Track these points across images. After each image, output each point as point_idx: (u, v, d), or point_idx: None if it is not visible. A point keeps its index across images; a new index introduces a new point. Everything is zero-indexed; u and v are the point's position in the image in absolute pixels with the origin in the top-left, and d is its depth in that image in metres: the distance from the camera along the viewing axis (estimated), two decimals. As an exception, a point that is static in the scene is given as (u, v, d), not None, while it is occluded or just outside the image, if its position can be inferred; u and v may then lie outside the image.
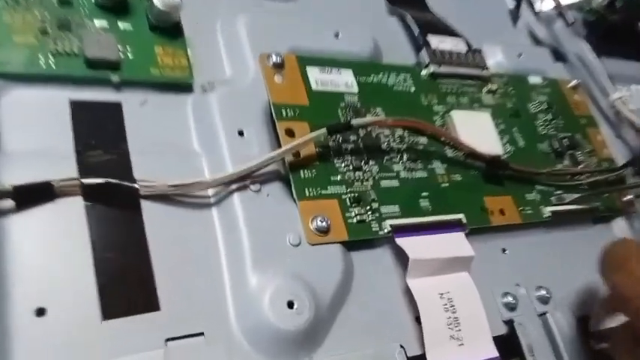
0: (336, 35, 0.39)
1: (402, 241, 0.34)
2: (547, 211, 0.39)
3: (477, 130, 0.40)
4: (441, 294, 0.34)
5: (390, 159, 0.36)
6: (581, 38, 0.51)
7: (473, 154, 0.38)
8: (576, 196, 0.40)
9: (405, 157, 0.37)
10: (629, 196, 0.44)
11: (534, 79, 0.47)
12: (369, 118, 0.35)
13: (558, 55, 0.50)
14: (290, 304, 0.28)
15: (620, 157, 0.46)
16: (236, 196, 0.31)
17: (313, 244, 0.31)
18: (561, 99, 0.46)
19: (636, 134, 0.48)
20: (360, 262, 0.33)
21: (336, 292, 0.31)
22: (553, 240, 0.40)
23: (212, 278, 0.29)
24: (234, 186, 0.31)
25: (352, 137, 0.36)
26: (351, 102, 0.37)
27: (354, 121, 0.33)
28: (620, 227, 0.44)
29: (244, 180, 0.31)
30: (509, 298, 0.37)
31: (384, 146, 0.37)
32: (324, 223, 0.31)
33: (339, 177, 0.34)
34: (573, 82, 0.47)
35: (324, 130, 0.32)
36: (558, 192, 0.41)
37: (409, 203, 0.35)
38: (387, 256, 0.34)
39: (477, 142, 0.39)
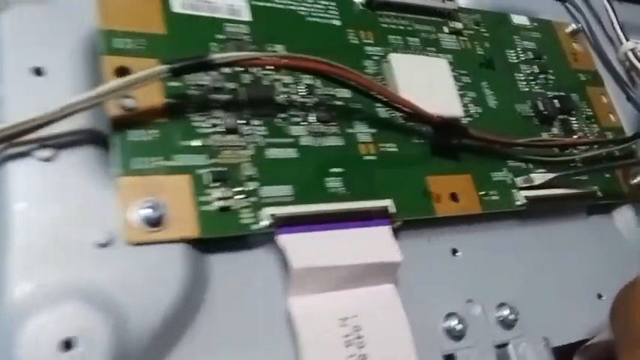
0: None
1: (286, 241, 0.23)
2: (521, 196, 0.29)
3: (426, 83, 0.29)
4: (343, 320, 0.23)
5: (287, 118, 0.25)
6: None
7: (415, 115, 0.27)
8: (556, 175, 0.30)
9: (312, 116, 0.26)
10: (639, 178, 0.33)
11: (519, 19, 0.35)
12: (243, 53, 0.23)
13: (558, -8, 0.38)
14: (67, 344, 0.18)
15: (630, 125, 0.36)
16: (11, 166, 0.20)
17: (135, 244, 0.20)
18: (555, 47, 0.37)
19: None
20: (224, 271, 0.23)
21: (167, 322, 0.20)
22: (527, 237, 0.30)
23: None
24: (13, 150, 0.20)
25: (230, 85, 0.24)
26: (235, 34, 0.25)
27: (217, 56, 0.22)
28: (624, 219, 0.34)
29: (31, 142, 0.20)
30: (455, 322, 0.26)
31: (280, 99, 0.25)
32: (155, 212, 0.21)
33: (198, 142, 0.23)
34: (573, 26, 0.35)
35: (163, 68, 0.21)
36: (539, 170, 0.29)
37: (310, 183, 0.24)
38: (270, 263, 0.23)
39: (423, 98, 0.27)
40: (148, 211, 0.21)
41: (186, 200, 0.22)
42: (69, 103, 0.20)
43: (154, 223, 0.21)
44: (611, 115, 0.36)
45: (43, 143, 0.20)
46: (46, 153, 0.20)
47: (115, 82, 0.21)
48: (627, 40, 0.38)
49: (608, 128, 0.35)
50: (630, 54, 0.38)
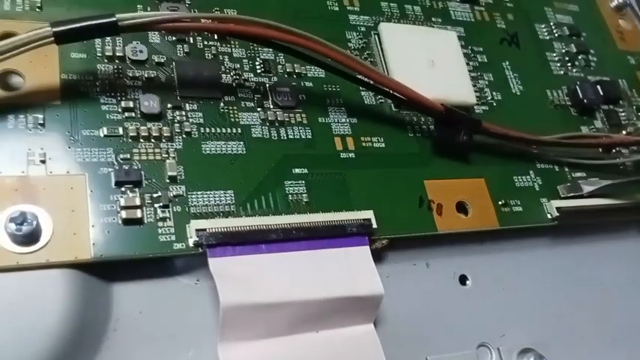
0: None
1: (220, 266, 0.16)
2: (552, 207, 0.23)
3: (427, 61, 0.22)
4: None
5: (234, 102, 0.19)
6: None
7: (411, 102, 0.20)
8: (608, 183, 0.23)
9: (270, 99, 0.19)
10: None
11: (554, -12, 0.29)
12: (159, 13, 0.17)
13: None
14: None
15: None
16: None
17: (-3, 270, 0.14)
18: (597, 23, 0.31)
19: None
20: (133, 306, 0.17)
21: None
22: (560, 261, 0.24)
23: None
24: None
25: (157, 57, 0.18)
26: (170, -6, 0.20)
27: (122, 16, 0.16)
28: None
29: None
30: (460, 376, 0.19)
31: (227, 79, 0.19)
32: (22, 227, 0.14)
33: (102, 131, 0.17)
34: (618, 0, 0.29)
35: (45, 31, 0.15)
36: (578, 175, 0.22)
37: (261, 189, 0.18)
38: (197, 296, 0.17)
39: (422, 80, 0.21)
40: (17, 225, 0.15)
41: (78, 210, 0.16)
42: None
43: (25, 241, 0.15)
44: None
45: None
46: None
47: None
48: (689, 16, 0.31)
49: None
50: None
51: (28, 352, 0.15)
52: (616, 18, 0.31)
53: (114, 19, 0.16)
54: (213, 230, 0.17)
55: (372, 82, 0.21)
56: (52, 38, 0.16)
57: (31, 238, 0.15)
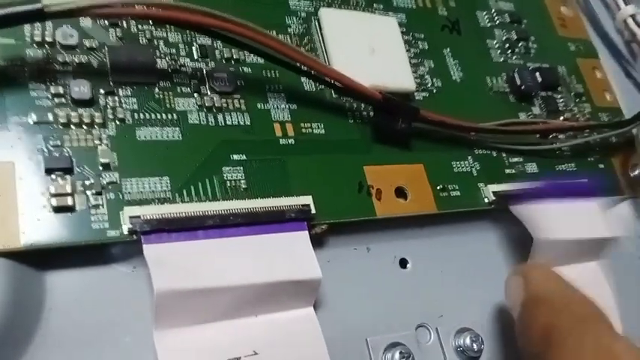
0: None
1: (155, 253, 0.16)
2: (489, 192, 0.23)
3: (368, 47, 0.22)
4: (236, 360, 0.17)
5: (169, 88, 0.19)
6: None
7: (349, 90, 0.20)
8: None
9: (207, 85, 0.19)
10: (640, 169, 0.28)
11: (496, -26, 0.29)
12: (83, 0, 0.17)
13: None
14: None
15: (631, 105, 0.30)
16: None
17: None
18: (538, 10, 0.31)
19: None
20: (68, 294, 0.17)
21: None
22: (498, 244, 0.24)
23: None
24: None
25: (89, 42, 0.18)
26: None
27: (48, 2, 0.15)
28: (620, 218, 0.27)
29: None
30: (396, 356, 0.19)
31: (162, 64, 0.19)
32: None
33: (32, 117, 0.16)
34: (561, -13, 0.29)
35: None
36: (515, 160, 0.23)
37: (198, 175, 0.18)
38: (132, 284, 0.17)
39: (362, 66, 0.21)
40: (-62, 213, 0.14)
41: (6, 196, 0.16)
42: None
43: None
44: (606, 94, 0.30)
45: None
46: None
47: None
48: (626, 4, 0.32)
49: (602, 109, 0.29)
50: (630, 21, 0.32)
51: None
52: (558, 4, 0.31)
53: (39, 5, 0.16)
54: (148, 217, 0.17)
55: (310, 70, 0.21)
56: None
57: (-45, 226, 0.15)
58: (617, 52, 0.33)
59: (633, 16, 0.32)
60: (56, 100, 0.17)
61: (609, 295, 0.24)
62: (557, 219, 0.23)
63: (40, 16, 0.16)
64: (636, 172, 0.28)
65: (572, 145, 0.27)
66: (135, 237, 0.17)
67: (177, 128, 0.19)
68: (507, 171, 0.25)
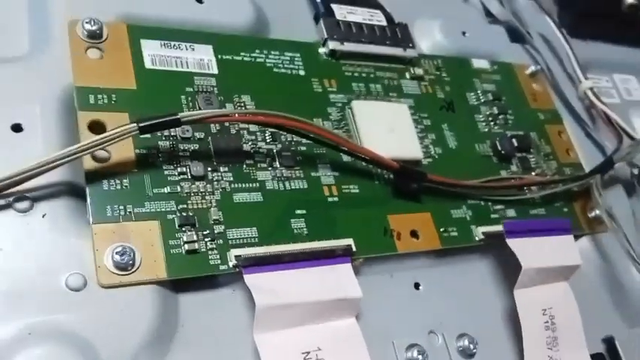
0: (200, -1, 0.29)
1: (251, 280, 0.24)
2: (479, 232, 0.30)
3: (387, 127, 0.30)
4: (306, 353, 0.24)
5: (253, 164, 0.27)
6: (546, 13, 0.41)
7: (375, 162, 0.28)
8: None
9: (277, 161, 0.27)
10: (597, 212, 0.34)
11: (480, 63, 0.37)
12: (206, 112, 0.25)
13: (516, 36, 0.40)
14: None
15: (590, 161, 0.37)
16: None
17: (107, 287, 0.22)
18: (514, 88, 0.38)
19: (611, 132, 0.37)
20: (194, 309, 0.24)
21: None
22: (486, 271, 0.32)
23: None
24: (-7, 203, 0.21)
25: (198, 134, 0.26)
26: (203, 87, 0.27)
27: (183, 115, 0.24)
28: (584, 252, 0.34)
29: (10, 195, 0.21)
30: (415, 354, 0.27)
31: (246, 147, 0.27)
32: (123, 257, 0.22)
33: (166, 189, 0.24)
34: (532, 68, 0.37)
35: (132, 126, 0.23)
36: (498, 207, 0.31)
37: (275, 225, 0.26)
38: (237, 301, 0.25)
39: (384, 142, 0.29)
40: (120, 256, 0.22)
41: (156, 244, 0.23)
42: (47, 160, 0.22)
43: (125, 267, 0.22)
44: (570, 152, 0.37)
45: (21, 195, 0.22)
46: (24, 205, 0.22)
47: (89, 140, 0.22)
48: (586, 78, 0.40)
49: (566, 164, 0.36)
50: (589, 92, 0.39)
51: (131, 342, 0.22)
52: (530, 82, 0.38)
53: (177, 116, 0.24)
54: (245, 256, 0.25)
55: (346, 149, 0.29)
56: (138, 131, 0.24)
57: (128, 264, 0.23)
58: (578, 118, 0.39)
59: (591, 89, 0.40)
60: (181, 176, 0.25)
61: (575, 308, 0.31)
62: (539, 250, 0.30)
63: (177, 123, 0.24)
64: (593, 214, 0.35)
65: (543, 195, 0.34)
66: (237, 269, 0.25)
67: (260, 192, 0.27)
68: (493, 216, 0.32)
